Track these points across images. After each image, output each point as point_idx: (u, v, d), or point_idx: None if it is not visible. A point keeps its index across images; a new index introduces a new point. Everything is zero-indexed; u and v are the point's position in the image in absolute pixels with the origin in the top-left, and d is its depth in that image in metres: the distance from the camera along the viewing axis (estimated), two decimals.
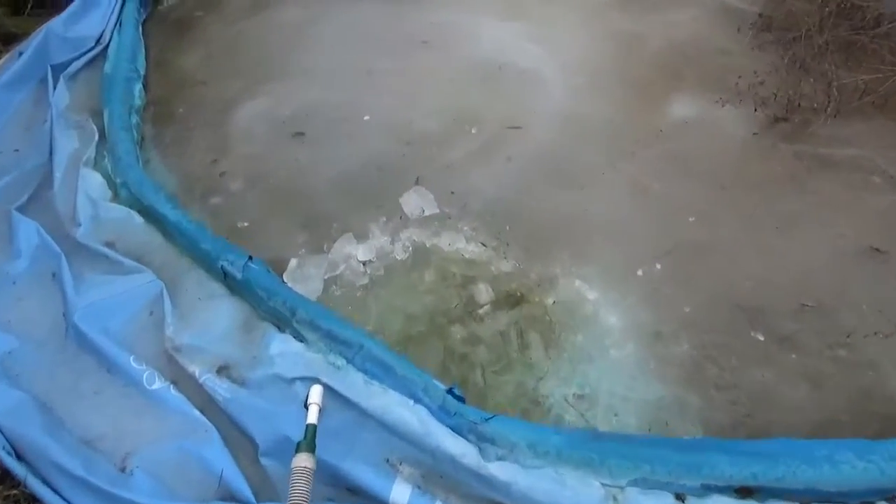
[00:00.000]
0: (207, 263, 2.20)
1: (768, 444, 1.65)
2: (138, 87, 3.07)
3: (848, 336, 1.98)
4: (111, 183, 2.57)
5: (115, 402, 1.87)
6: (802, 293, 2.10)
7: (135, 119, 2.90)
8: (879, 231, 2.30)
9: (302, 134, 2.83)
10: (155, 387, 1.88)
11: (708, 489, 1.60)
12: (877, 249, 2.24)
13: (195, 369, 1.90)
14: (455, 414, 1.70)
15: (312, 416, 1.63)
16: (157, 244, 2.33)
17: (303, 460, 1.52)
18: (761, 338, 1.99)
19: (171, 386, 1.89)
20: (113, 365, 1.94)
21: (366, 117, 2.91)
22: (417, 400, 1.72)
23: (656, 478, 1.61)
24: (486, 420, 1.68)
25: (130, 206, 2.46)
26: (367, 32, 3.44)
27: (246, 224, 2.42)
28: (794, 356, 1.93)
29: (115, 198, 2.53)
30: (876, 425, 1.78)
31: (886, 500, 1.60)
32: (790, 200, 2.45)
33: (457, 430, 1.68)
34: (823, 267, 2.20)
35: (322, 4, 3.67)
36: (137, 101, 3.00)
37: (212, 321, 2.05)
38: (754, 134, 2.76)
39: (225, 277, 2.14)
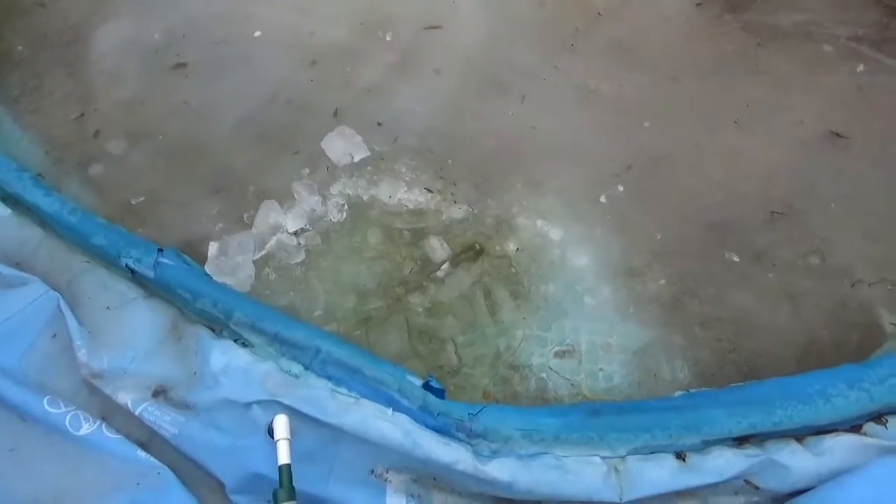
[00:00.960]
0: (107, 261, 1.84)
1: (761, 388, 1.60)
2: None
3: (820, 240, 1.91)
4: None
5: (38, 457, 1.59)
6: (771, 198, 1.99)
7: None
8: (837, 112, 2.18)
9: (183, 65, 2.34)
10: (83, 431, 1.61)
11: (707, 443, 1.56)
12: (837, 134, 2.13)
13: (126, 398, 1.63)
14: (439, 414, 1.54)
15: (284, 455, 1.42)
16: (37, 241, 1.93)
17: None
18: (736, 258, 1.89)
19: (103, 425, 1.63)
20: (25, 412, 1.63)
21: (257, 33, 2.43)
22: (396, 406, 1.55)
23: (657, 443, 1.55)
24: (474, 415, 1.53)
25: None
26: None
27: (142, 199, 2.03)
28: (770, 275, 1.86)
29: None
30: (855, 337, 1.76)
31: (873, 420, 1.61)
32: (745, 86, 2.26)
33: (444, 431, 1.54)
34: (787, 162, 2.08)
35: None
36: None
37: (131, 334, 1.75)
38: (697, 4, 2.49)
39: (133, 275, 1.80)
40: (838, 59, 2.32)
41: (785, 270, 1.87)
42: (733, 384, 1.64)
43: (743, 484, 1.54)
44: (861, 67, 2.29)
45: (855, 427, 1.61)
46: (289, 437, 1.46)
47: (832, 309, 1.81)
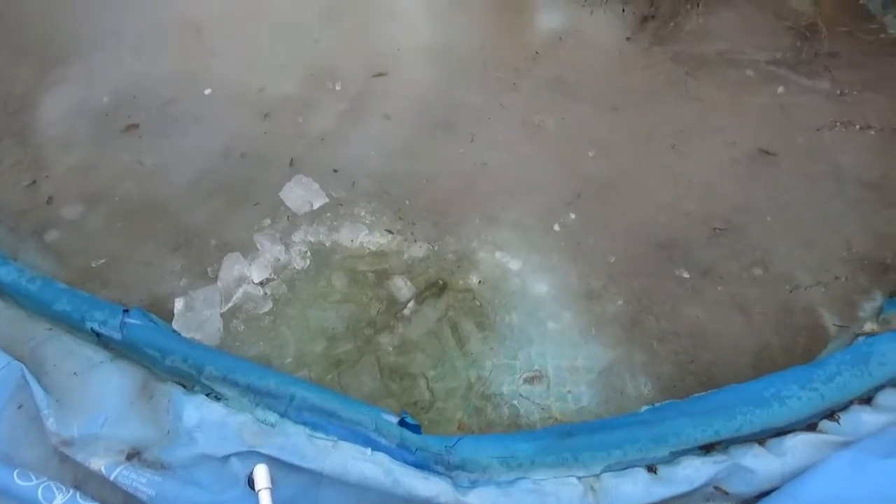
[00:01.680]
0: (71, 326, 1.83)
1: (721, 395, 1.68)
2: None
3: (761, 252, 2.03)
4: None
5: None
6: (712, 216, 2.11)
7: None
8: (764, 131, 2.33)
9: (135, 126, 2.37)
10: (57, 503, 1.57)
11: (676, 454, 1.62)
12: (766, 151, 2.28)
13: (99, 464, 1.61)
14: (417, 449, 1.57)
15: None
16: None
17: None
18: (686, 274, 1.99)
19: (77, 494, 1.59)
20: None
21: (206, 91, 2.47)
22: (374, 446, 1.57)
23: (628, 458, 1.60)
24: (451, 447, 1.57)
25: None
26: None
27: (102, 261, 2.02)
28: (719, 288, 1.96)
29: None
30: (802, 339, 1.87)
31: (827, 418, 1.71)
32: (678, 112, 2.41)
33: (423, 465, 1.56)
34: (723, 181, 2.21)
35: None
36: None
37: (100, 397, 1.73)
38: (627, 39, 2.66)
39: (99, 338, 1.79)
40: (760, 82, 2.49)
41: (732, 282, 1.98)
42: (695, 394, 1.72)
43: (713, 490, 1.60)
44: (781, 89, 2.47)
45: (811, 425, 1.70)
46: (270, 486, 1.47)
47: (779, 315, 1.92)
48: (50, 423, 1.67)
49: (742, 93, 2.46)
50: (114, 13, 2.71)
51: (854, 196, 2.14)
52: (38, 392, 1.71)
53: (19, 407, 1.73)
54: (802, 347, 1.85)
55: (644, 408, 1.72)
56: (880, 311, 1.92)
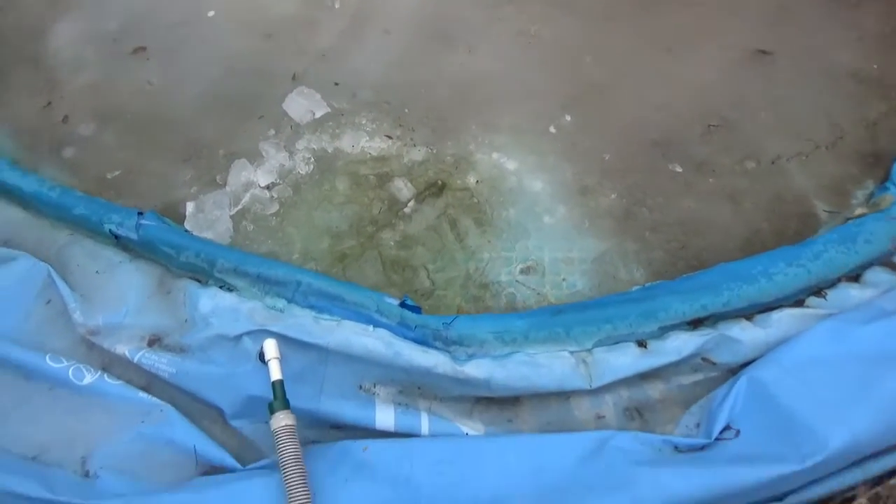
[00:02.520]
0: (91, 230, 1.94)
1: (709, 274, 1.75)
2: None
3: (754, 146, 2.07)
4: None
5: (47, 409, 1.68)
6: (706, 114, 2.15)
7: None
8: (762, 32, 2.34)
9: (143, 49, 2.43)
10: (86, 381, 1.69)
11: (665, 329, 1.70)
12: (763, 51, 2.29)
13: (123, 349, 1.73)
14: (416, 327, 1.66)
15: (275, 372, 1.54)
16: (21, 220, 2.02)
17: (280, 420, 1.45)
18: (679, 169, 2.03)
19: (104, 375, 1.71)
20: (28, 371, 1.72)
21: (210, 13, 2.53)
22: (375, 324, 1.67)
23: (618, 333, 1.68)
24: (449, 324, 1.66)
25: None
26: None
27: (117, 173, 2.12)
28: (711, 180, 2.01)
29: None
30: (793, 224, 1.92)
31: (814, 294, 1.77)
32: (676, 17, 2.42)
33: (422, 341, 1.66)
34: (719, 81, 2.23)
35: None
36: None
37: (122, 293, 1.84)
38: None
39: (117, 241, 1.90)
40: None
41: (724, 175, 2.02)
42: (684, 275, 1.79)
43: (700, 361, 1.68)
44: None
45: (798, 301, 1.77)
46: (278, 356, 1.57)
47: (770, 204, 1.97)
48: (77, 316, 1.78)
49: None
50: None
51: (848, 90, 2.16)
52: (63, 288, 1.83)
53: (47, 302, 1.85)
54: (793, 232, 1.90)
55: (634, 288, 1.79)
56: (871, 196, 1.96)
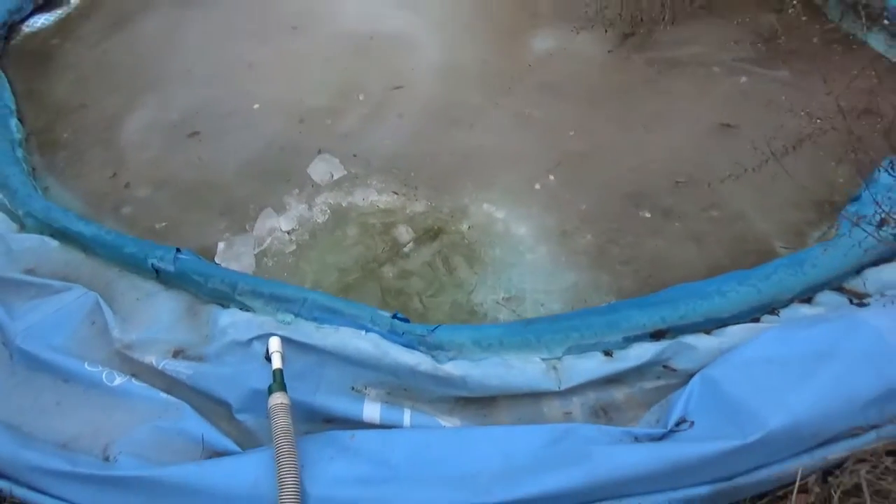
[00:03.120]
0: (136, 266, 2.26)
1: (669, 292, 1.95)
2: (13, 121, 3.02)
3: (717, 197, 2.32)
4: (13, 216, 2.56)
5: (80, 406, 1.92)
6: (674, 173, 2.43)
7: (20, 153, 2.87)
8: (727, 110, 2.67)
9: (197, 133, 2.90)
10: (116, 383, 1.94)
11: (628, 340, 1.87)
12: (727, 125, 2.60)
13: (151, 359, 1.98)
14: (404, 333, 1.88)
15: (276, 363, 1.76)
16: (79, 261, 2.35)
17: (277, 398, 1.66)
18: (648, 215, 2.29)
19: (132, 378, 1.96)
20: (68, 374, 1.97)
21: (255, 106, 3.01)
22: (368, 330, 1.90)
23: (585, 341, 1.86)
24: (432, 330, 1.87)
25: (41, 233, 2.47)
26: (236, 27, 3.52)
27: (164, 224, 2.49)
28: (677, 224, 2.25)
29: (22, 229, 2.52)
30: (752, 260, 2.10)
31: (769, 312, 1.93)
32: (650, 102, 2.78)
33: (408, 345, 1.87)
34: (687, 148, 2.53)
35: (180, 9, 3.70)
36: (17, 135, 2.95)
37: (156, 315, 2.12)
38: (609, 51, 3.08)
39: (157, 275, 2.21)
40: (725, 74, 2.85)
41: (690, 221, 2.26)
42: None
43: (662, 368, 1.83)
44: (744, 79, 2.82)
45: (754, 319, 1.93)
46: (281, 350, 1.80)
47: (732, 243, 2.18)
48: (115, 333, 2.06)
49: (708, 84, 2.82)
50: (187, 56, 3.34)
51: (809, 155, 2.42)
52: (107, 312, 2.12)
53: (92, 323, 2.14)
54: (751, 266, 2.09)
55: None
56: (824, 235, 2.16)
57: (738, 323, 1.90)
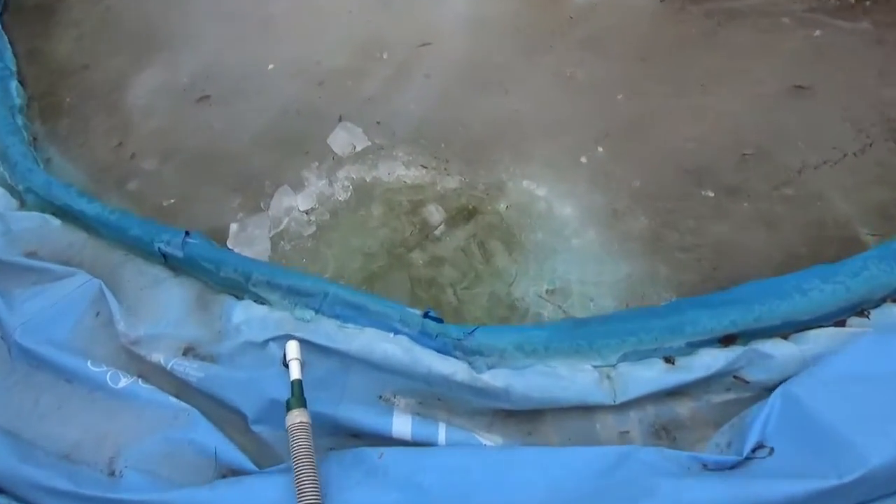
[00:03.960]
0: (142, 250, 2.07)
1: (740, 291, 1.69)
2: (14, 84, 2.81)
3: (792, 173, 2.03)
4: (13, 192, 2.37)
5: (83, 410, 1.76)
6: (740, 144, 2.14)
7: (20, 120, 2.67)
8: (799, 69, 2.34)
9: (207, 97, 2.66)
10: (122, 385, 1.77)
11: (693, 346, 1.64)
12: (800, 87, 2.28)
13: (159, 357, 1.80)
14: (437, 335, 1.67)
15: (295, 372, 1.57)
16: (82, 243, 2.17)
17: (296, 416, 1.47)
18: (711, 194, 2.02)
19: (139, 380, 1.79)
20: (71, 374, 1.81)
21: (270, 66, 2.75)
22: (397, 332, 1.69)
23: (644, 347, 1.64)
24: (470, 333, 1.66)
25: (42, 211, 2.28)
26: None
27: (172, 201, 2.28)
28: (745, 205, 1.97)
29: (22, 206, 2.34)
30: (832, 250, 1.84)
31: (857, 314, 1.67)
32: (709, 59, 2.46)
33: (443, 350, 1.66)
34: (754, 114, 2.23)
35: None
36: (17, 100, 2.74)
37: (163, 307, 1.94)
38: (661, 1, 2.74)
39: (165, 260, 2.02)
40: (795, 26, 2.51)
41: (760, 201, 1.98)
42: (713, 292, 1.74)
43: (732, 380, 1.60)
44: (818, 32, 2.47)
45: (839, 322, 1.68)
46: (300, 357, 1.61)
47: (808, 229, 1.91)
48: (121, 326, 1.88)
49: (775, 37, 2.48)
50: (197, 13, 3.08)
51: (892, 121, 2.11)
52: (112, 302, 1.94)
53: (97, 314, 1.96)
54: (833, 257, 1.81)
55: (662, 304, 1.75)
56: None
57: (819, 326, 1.65)
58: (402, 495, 1.44)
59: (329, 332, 1.70)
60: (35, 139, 2.62)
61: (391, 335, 1.68)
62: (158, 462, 1.64)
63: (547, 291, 1.88)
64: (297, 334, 1.69)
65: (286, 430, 1.47)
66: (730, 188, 2.02)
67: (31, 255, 2.16)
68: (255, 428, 1.67)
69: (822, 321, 1.66)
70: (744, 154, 2.10)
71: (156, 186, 2.35)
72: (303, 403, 1.51)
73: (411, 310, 1.72)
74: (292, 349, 1.61)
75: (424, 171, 2.20)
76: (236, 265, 1.89)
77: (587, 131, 2.26)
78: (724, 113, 2.24)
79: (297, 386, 1.54)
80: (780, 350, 1.59)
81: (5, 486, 1.63)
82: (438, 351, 1.66)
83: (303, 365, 1.62)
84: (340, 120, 2.44)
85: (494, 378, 1.59)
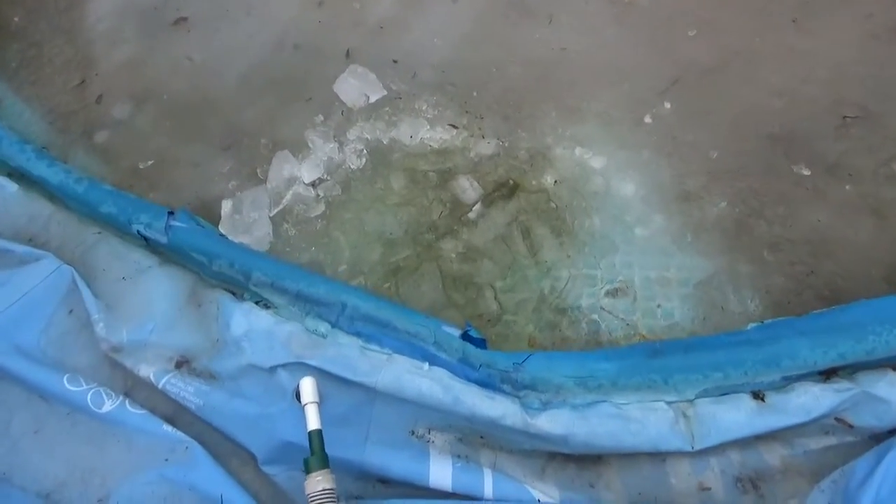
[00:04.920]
0: (118, 229, 1.74)
1: (848, 312, 1.39)
2: None
3: None
4: None
5: (63, 437, 1.50)
6: (841, 102, 1.75)
7: None
8: None
9: (184, 19, 2.20)
10: (106, 409, 1.50)
11: (789, 380, 1.37)
12: None
13: (148, 371, 1.52)
14: (481, 366, 1.39)
15: (313, 421, 1.29)
16: (48, 214, 1.84)
17: (318, 483, 1.21)
18: (806, 172, 1.66)
19: (126, 401, 1.52)
20: (45, 391, 1.54)
21: None
22: (432, 360, 1.40)
23: (730, 382, 1.36)
24: (520, 364, 1.37)
25: None
26: None
27: (150, 162, 1.90)
28: (848, 187, 1.63)
29: None
30: None
31: None
32: None
33: (488, 384, 1.39)
34: (857, 61, 1.82)
35: None
36: None
37: (149, 304, 1.63)
38: None
39: (147, 243, 1.69)
40: None
41: (865, 181, 1.64)
42: (814, 311, 1.44)
43: (833, 422, 1.35)
44: None
45: None
46: (317, 400, 1.33)
47: None
48: (100, 329, 1.59)
49: None
50: None
51: None
52: (87, 297, 1.64)
53: (70, 312, 1.66)
54: None
55: (750, 325, 1.45)
56: None
57: None
58: None
59: (349, 357, 1.41)
60: None
61: (425, 366, 1.39)
62: None
63: (605, 293, 1.57)
64: (311, 362, 1.40)
65: (306, 497, 1.22)
66: (828, 164, 1.66)
67: None
68: (266, 469, 1.43)
69: None
70: (845, 117, 1.72)
71: (129, 140, 1.96)
72: (325, 463, 1.25)
73: (448, 328, 1.43)
74: (308, 390, 1.33)
75: (454, 131, 1.81)
76: (233, 259, 1.57)
77: (651, 79, 1.86)
78: (819, 58, 1.83)
79: (317, 439, 1.27)
80: (895, 393, 1.32)
81: None
82: (482, 384, 1.38)
83: (320, 402, 1.34)
84: (348, 56, 2.01)
85: (552, 422, 1.33)
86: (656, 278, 1.59)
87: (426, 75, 1.94)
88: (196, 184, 1.84)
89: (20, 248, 1.74)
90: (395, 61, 1.98)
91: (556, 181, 1.72)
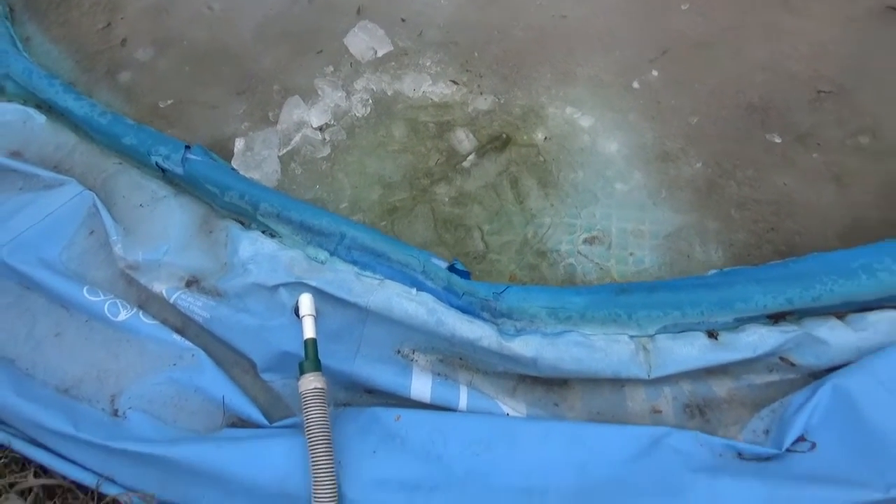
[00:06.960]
0: (138, 161, 1.87)
1: (800, 264, 1.52)
2: None
3: (871, 119, 1.79)
4: None
5: (81, 341, 1.65)
6: (817, 77, 1.87)
7: None
8: None
9: None
10: (121, 318, 1.65)
11: (741, 321, 1.51)
12: (893, 8, 1.97)
13: (161, 288, 1.67)
14: (464, 294, 1.53)
15: (309, 330, 1.44)
16: (73, 144, 1.97)
17: (310, 382, 1.36)
18: (778, 139, 1.79)
19: (140, 312, 1.67)
20: (66, 300, 1.69)
21: None
22: (420, 286, 1.54)
23: (687, 321, 1.50)
24: (499, 294, 1.52)
25: (24, 103, 2.05)
26: None
27: (170, 102, 2.03)
28: (815, 155, 1.75)
29: (2, 95, 2.10)
30: None
31: None
32: None
33: (469, 311, 1.53)
34: (838, 41, 1.93)
35: None
36: None
37: (164, 229, 1.78)
38: None
39: (164, 174, 1.83)
40: None
41: (831, 150, 1.76)
42: (770, 262, 1.58)
43: (778, 361, 1.49)
44: None
45: None
46: (313, 313, 1.48)
47: (883, 189, 1.70)
48: (118, 249, 1.74)
49: None
50: None
51: None
52: (107, 219, 1.78)
53: (91, 233, 1.81)
54: None
55: (711, 272, 1.59)
56: None
57: (883, 307, 1.50)
58: (420, 468, 1.38)
59: (345, 281, 1.55)
60: (12, 11, 2.31)
61: (413, 291, 1.53)
62: (163, 405, 1.57)
63: (583, 240, 1.71)
64: (310, 282, 1.55)
65: (299, 396, 1.38)
66: (800, 133, 1.78)
67: (14, 155, 1.97)
68: (265, 376, 1.58)
69: (885, 302, 1.51)
70: (819, 91, 1.84)
71: (150, 81, 2.09)
72: (317, 366, 1.40)
73: (436, 260, 1.57)
74: (305, 304, 1.48)
75: (454, 87, 1.94)
76: (243, 191, 1.71)
77: (642, 48, 1.98)
78: (804, 36, 1.94)
79: (312, 346, 1.42)
80: (835, 336, 1.45)
81: (4, 419, 1.56)
82: (464, 311, 1.52)
83: (316, 317, 1.49)
84: (359, 13, 2.13)
85: (524, 346, 1.47)
86: (631, 230, 1.72)
87: (432, 34, 2.06)
88: (211, 124, 1.97)
89: (46, 174, 1.88)
90: (403, 20, 2.10)
91: (546, 137, 1.85)
